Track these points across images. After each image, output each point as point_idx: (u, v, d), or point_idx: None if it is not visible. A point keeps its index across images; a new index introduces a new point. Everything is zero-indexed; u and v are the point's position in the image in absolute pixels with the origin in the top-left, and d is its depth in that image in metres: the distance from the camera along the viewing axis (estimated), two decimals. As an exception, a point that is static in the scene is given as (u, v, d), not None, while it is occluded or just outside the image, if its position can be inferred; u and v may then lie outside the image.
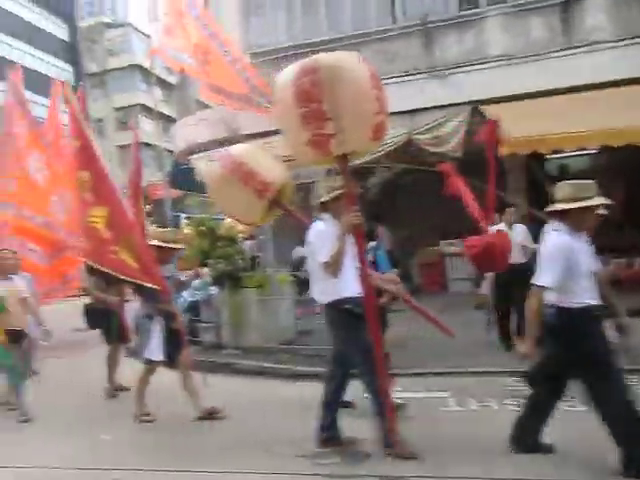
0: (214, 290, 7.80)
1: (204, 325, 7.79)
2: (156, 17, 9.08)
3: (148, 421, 4.93)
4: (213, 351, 7.36)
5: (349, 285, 3.73)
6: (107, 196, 4.87)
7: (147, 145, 40.55)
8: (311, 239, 3.86)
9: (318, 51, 3.46)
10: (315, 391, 4.17)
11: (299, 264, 8.60)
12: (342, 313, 3.76)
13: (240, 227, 7.34)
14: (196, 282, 8.14)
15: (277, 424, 4.57)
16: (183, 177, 9.75)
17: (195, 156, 9.05)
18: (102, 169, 4.90)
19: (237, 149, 4.18)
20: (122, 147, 40.63)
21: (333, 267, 3.60)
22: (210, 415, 4.79)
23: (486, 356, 5.97)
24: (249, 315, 7.28)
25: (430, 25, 9.22)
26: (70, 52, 36.35)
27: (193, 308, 7.96)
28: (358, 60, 3.42)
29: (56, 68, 36.97)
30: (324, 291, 3.85)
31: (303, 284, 8.08)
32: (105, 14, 45.25)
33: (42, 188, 8.79)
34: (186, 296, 7.93)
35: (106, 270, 4.93)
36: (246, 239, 13.75)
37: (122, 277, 4.88)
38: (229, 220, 6.90)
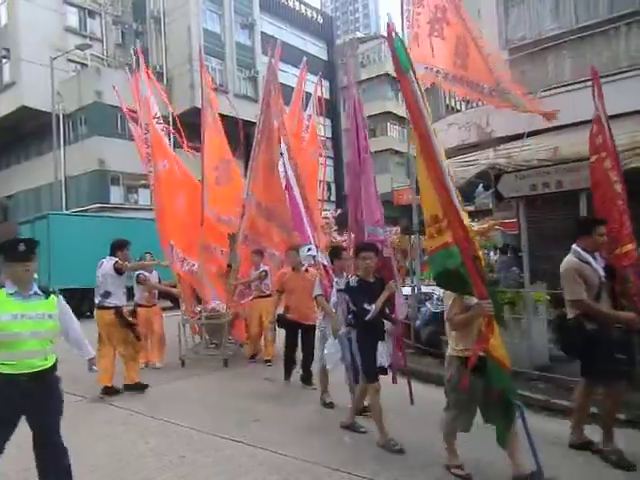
0: (459, 303, 7.36)
1: (446, 338, 7.42)
2: (409, 25, 9.02)
3: None
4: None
5: None
6: None
7: (394, 152, 42.09)
8: None
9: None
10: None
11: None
12: None
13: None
14: (441, 293, 7.84)
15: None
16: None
17: (443, 161, 8.75)
18: None
19: None
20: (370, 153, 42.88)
21: None
22: None
23: None
24: (497, 333, 6.70)
25: None
26: (328, 69, 39.67)
27: (436, 320, 7.67)
28: None
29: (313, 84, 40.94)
30: None
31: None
32: (359, 30, 48.44)
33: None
34: (430, 307, 7.69)
35: None
36: (502, 251, 12.64)
37: None
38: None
